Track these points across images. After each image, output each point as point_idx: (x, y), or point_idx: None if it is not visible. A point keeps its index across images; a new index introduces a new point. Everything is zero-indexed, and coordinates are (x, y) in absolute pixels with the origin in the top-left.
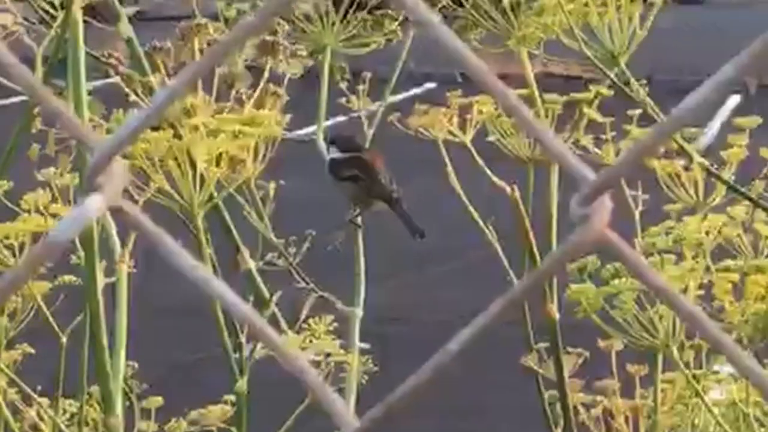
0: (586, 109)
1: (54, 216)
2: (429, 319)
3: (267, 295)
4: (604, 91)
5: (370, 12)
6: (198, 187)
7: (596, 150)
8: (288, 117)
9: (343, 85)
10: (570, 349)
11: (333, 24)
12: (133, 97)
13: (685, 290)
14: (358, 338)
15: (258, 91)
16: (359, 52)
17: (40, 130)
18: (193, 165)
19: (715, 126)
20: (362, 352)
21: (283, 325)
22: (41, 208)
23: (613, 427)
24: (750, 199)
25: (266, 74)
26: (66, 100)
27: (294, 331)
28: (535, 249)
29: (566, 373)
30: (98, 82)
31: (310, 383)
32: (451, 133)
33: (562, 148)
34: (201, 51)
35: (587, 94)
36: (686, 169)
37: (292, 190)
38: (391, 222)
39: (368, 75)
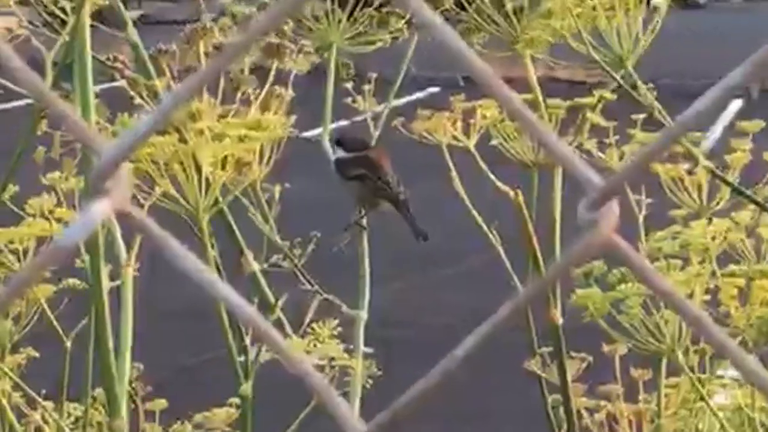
0: (589, 114)
1: (59, 220)
2: (432, 323)
3: (272, 299)
4: (608, 95)
5: (376, 9)
6: (203, 191)
7: (600, 154)
8: (295, 114)
9: (349, 86)
10: (573, 354)
11: (339, 21)
12: (138, 100)
13: (691, 295)
14: (362, 342)
15: (264, 93)
16: (365, 49)
17: (45, 132)
18: (199, 169)
19: (717, 130)
20: (366, 355)
21: (288, 328)
22: (46, 212)
23: None
24: (757, 203)
25: (272, 76)
26: (73, 103)
27: (298, 335)
28: (538, 253)
29: (569, 378)
30: (103, 86)
31: (314, 386)
32: (454, 137)
33: (567, 152)
34: (206, 54)
35: (591, 99)
36: (690, 173)
37: (296, 191)
38: (395, 224)
39: (374, 75)
